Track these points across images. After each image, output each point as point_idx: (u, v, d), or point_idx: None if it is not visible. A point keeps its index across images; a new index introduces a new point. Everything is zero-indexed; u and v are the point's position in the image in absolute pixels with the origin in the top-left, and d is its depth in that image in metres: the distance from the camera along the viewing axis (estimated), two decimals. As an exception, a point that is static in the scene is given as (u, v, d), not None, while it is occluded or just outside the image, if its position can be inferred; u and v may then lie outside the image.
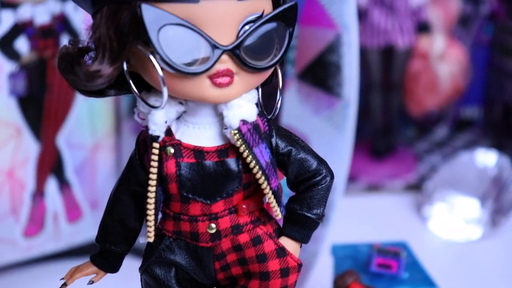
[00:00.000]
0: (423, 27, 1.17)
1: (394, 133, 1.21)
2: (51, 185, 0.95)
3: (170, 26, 0.49)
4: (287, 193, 0.59)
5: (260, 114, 0.56)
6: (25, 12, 0.87)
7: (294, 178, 0.57)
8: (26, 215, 0.93)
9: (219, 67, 0.51)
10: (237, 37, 0.51)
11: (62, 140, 0.94)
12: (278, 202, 0.56)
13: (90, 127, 0.96)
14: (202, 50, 0.50)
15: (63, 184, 0.96)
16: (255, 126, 0.54)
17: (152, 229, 0.56)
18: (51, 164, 0.94)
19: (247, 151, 0.53)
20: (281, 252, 0.57)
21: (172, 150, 0.54)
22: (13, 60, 0.87)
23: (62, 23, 0.90)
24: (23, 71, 0.88)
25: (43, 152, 0.93)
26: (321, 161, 0.58)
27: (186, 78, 0.51)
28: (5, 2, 0.85)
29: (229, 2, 0.50)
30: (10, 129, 0.89)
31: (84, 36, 0.53)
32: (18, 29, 0.87)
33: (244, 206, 0.56)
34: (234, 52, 0.51)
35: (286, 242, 0.58)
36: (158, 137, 0.53)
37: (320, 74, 0.85)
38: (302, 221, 0.58)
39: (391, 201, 1.11)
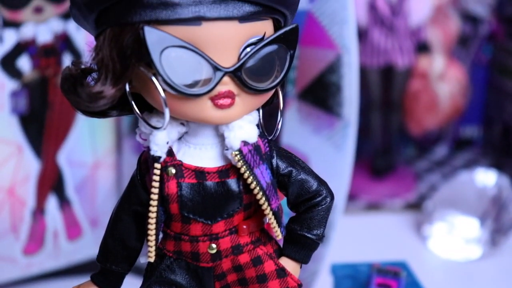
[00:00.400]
0: (422, 47, 1.17)
1: (394, 152, 1.22)
2: (52, 202, 0.95)
3: (173, 48, 0.49)
4: (287, 212, 0.59)
5: (261, 135, 0.56)
6: (27, 31, 0.87)
7: (295, 199, 0.58)
8: (26, 233, 0.93)
9: (221, 88, 0.51)
10: (239, 59, 0.51)
11: (63, 157, 0.95)
12: (279, 222, 0.57)
13: (91, 145, 0.96)
14: (204, 72, 0.51)
15: (63, 201, 0.96)
16: (256, 147, 0.55)
17: (153, 249, 0.56)
18: (51, 182, 0.94)
19: (248, 172, 0.54)
20: (282, 272, 0.57)
21: (173, 171, 0.54)
22: (15, 79, 0.88)
23: (64, 42, 0.90)
24: (25, 90, 0.89)
25: (43, 170, 0.93)
26: (322, 182, 0.58)
27: (188, 100, 0.51)
28: (8, 21, 0.86)
29: (231, 24, 0.51)
30: (11, 147, 0.90)
31: (87, 56, 0.54)
32: (20, 48, 0.87)
33: (244, 227, 0.56)
34: (235, 74, 0.51)
35: (287, 263, 0.58)
36: (159, 157, 0.54)
37: (321, 94, 0.86)
38: (303, 242, 0.58)
39: (391, 220, 1.11)
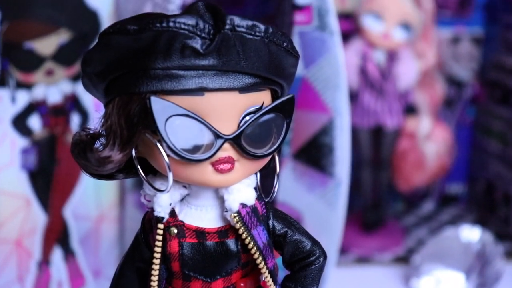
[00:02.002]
0: (410, 109, 1.18)
1: (383, 207, 1.22)
2: (57, 254, 0.94)
3: (177, 116, 0.50)
4: (281, 267, 0.59)
5: (258, 198, 0.57)
6: (39, 92, 0.88)
7: (290, 258, 0.58)
8: (31, 283, 0.93)
9: (221, 154, 0.52)
10: (238, 127, 0.52)
11: (69, 211, 0.95)
12: (274, 280, 0.57)
13: (96, 199, 0.96)
14: (205, 139, 0.51)
15: (68, 253, 0.96)
16: (253, 209, 0.55)
17: (154, 304, 0.56)
18: (57, 234, 0.94)
19: (245, 233, 0.54)
20: (277, 328, 0.58)
21: (175, 231, 0.55)
22: (25, 136, 0.88)
23: (72, 102, 0.91)
24: (35, 147, 0.89)
25: (50, 223, 0.93)
26: (315, 242, 0.58)
27: (190, 165, 0.52)
28: (21, 82, 0.87)
29: (231, 95, 0.52)
30: (20, 201, 0.90)
31: (95, 120, 0.54)
32: (32, 107, 0.88)
33: (242, 284, 0.57)
34: (235, 141, 0.52)
35: (281, 319, 0.59)
36: (163, 218, 0.54)
37: (314, 154, 0.87)
38: (296, 299, 0.58)
39: (380, 273, 1.11)
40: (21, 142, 0.88)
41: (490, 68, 1.28)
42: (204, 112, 0.51)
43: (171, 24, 0.50)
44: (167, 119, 0.50)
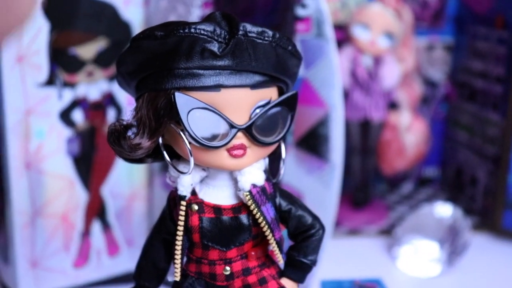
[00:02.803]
0: (393, 105, 1.17)
1: (370, 188, 1.20)
2: (96, 226, 0.94)
3: (197, 109, 0.49)
4: (286, 237, 0.58)
5: (267, 179, 0.55)
6: (81, 90, 0.87)
7: (293, 231, 0.57)
8: (75, 250, 0.92)
9: (235, 142, 0.51)
10: (250, 118, 0.51)
11: (106, 190, 0.94)
12: (281, 250, 0.56)
13: (128, 180, 0.95)
14: (222, 128, 0.50)
15: (105, 226, 0.95)
16: (262, 189, 0.54)
17: (178, 269, 0.55)
18: (96, 210, 0.93)
19: (256, 209, 0.53)
20: (282, 290, 0.56)
21: (196, 207, 0.53)
22: (70, 128, 0.87)
23: (109, 99, 0.90)
24: (78, 137, 0.88)
25: (90, 200, 0.92)
26: (315, 218, 0.57)
27: (209, 151, 0.51)
28: (67, 82, 0.86)
29: (244, 91, 0.51)
30: (65, 182, 0.89)
31: (127, 113, 0.53)
32: (75, 103, 0.87)
33: (253, 253, 0.55)
34: (247, 130, 0.51)
35: (286, 282, 0.57)
36: (185, 196, 0.53)
37: (313, 143, 0.85)
38: (299, 265, 0.57)
39: (367, 243, 1.10)
40: (66, 132, 0.87)
41: (459, 71, 1.27)
42: (220, 106, 0.50)
43: (193, 30, 0.48)
44: (189, 112, 0.49)
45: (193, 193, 0.54)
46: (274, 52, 0.51)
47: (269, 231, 0.54)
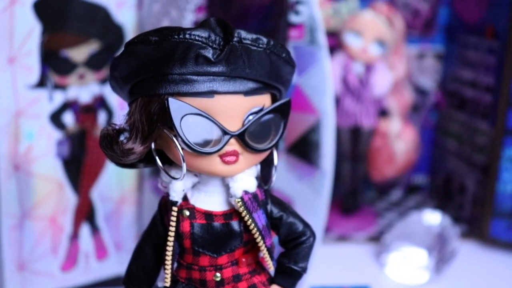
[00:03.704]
0: (383, 112, 1.17)
1: (359, 194, 1.21)
2: (85, 229, 0.93)
3: (190, 115, 0.49)
4: (277, 244, 0.58)
5: (258, 185, 0.55)
6: (72, 93, 0.87)
7: (284, 238, 0.57)
8: (63, 254, 0.91)
9: (228, 148, 0.51)
10: (243, 125, 0.51)
11: (95, 193, 0.93)
12: (271, 256, 0.56)
13: (118, 184, 0.95)
14: (215, 134, 0.50)
15: (94, 229, 0.94)
16: (254, 195, 0.54)
17: (168, 275, 0.55)
18: (85, 213, 0.93)
19: (247, 215, 0.53)
20: (272, 297, 0.56)
21: (187, 213, 0.53)
22: (60, 130, 0.87)
23: (100, 102, 0.89)
24: (68, 139, 0.88)
25: (79, 203, 0.92)
26: (306, 225, 0.57)
27: (201, 157, 0.51)
28: (58, 84, 0.85)
29: (237, 97, 0.51)
30: (54, 184, 0.88)
31: (119, 117, 0.53)
32: (66, 106, 0.86)
33: (243, 260, 0.55)
34: (240, 137, 0.51)
35: (276, 289, 0.57)
36: (177, 202, 0.53)
37: (304, 149, 0.85)
38: (289, 272, 0.57)
39: (356, 249, 1.10)
40: (57, 135, 0.87)
41: (449, 80, 1.28)
42: (214, 112, 0.50)
43: (187, 36, 0.48)
44: (182, 117, 0.49)
45: (185, 198, 0.54)
46: (268, 59, 0.51)
47: (260, 238, 0.53)
